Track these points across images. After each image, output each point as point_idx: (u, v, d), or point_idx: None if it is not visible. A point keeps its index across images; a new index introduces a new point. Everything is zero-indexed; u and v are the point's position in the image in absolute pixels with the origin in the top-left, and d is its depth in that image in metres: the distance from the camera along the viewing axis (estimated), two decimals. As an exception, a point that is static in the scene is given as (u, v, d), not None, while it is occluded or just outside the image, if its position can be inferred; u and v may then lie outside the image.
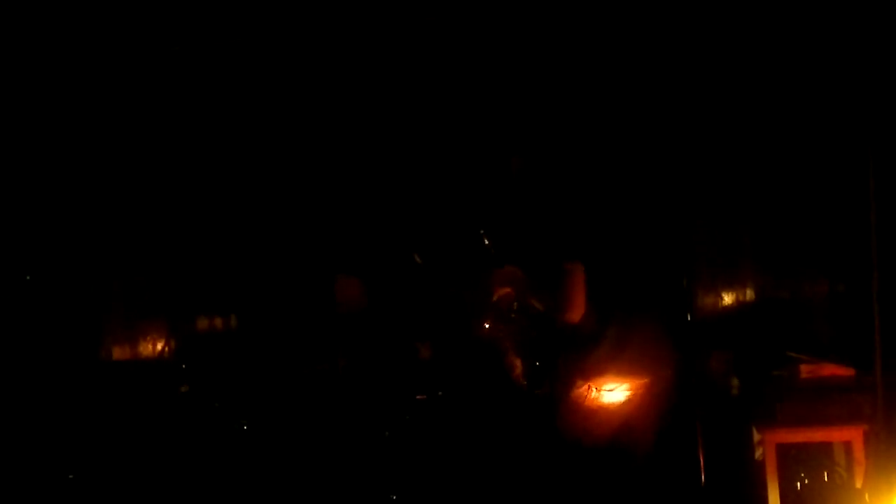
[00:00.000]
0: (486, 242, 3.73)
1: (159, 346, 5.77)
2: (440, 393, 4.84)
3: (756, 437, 4.51)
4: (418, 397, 4.85)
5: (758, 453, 4.49)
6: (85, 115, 5.61)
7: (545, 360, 3.62)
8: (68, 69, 5.47)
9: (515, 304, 3.67)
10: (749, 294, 5.28)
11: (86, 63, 5.47)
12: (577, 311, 3.47)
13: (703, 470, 4.14)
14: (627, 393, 3.60)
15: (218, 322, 5.76)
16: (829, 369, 4.39)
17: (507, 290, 3.67)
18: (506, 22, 5.16)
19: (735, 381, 4.84)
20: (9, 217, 5.52)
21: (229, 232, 5.64)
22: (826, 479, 4.52)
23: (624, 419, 3.61)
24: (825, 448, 4.55)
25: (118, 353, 5.79)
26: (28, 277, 5.48)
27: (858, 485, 4.20)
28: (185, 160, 5.67)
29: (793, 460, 4.53)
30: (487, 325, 3.68)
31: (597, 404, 3.62)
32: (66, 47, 5.39)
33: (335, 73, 5.45)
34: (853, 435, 4.26)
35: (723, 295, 5.29)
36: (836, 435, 4.39)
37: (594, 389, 3.61)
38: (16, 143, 5.55)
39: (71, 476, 5.00)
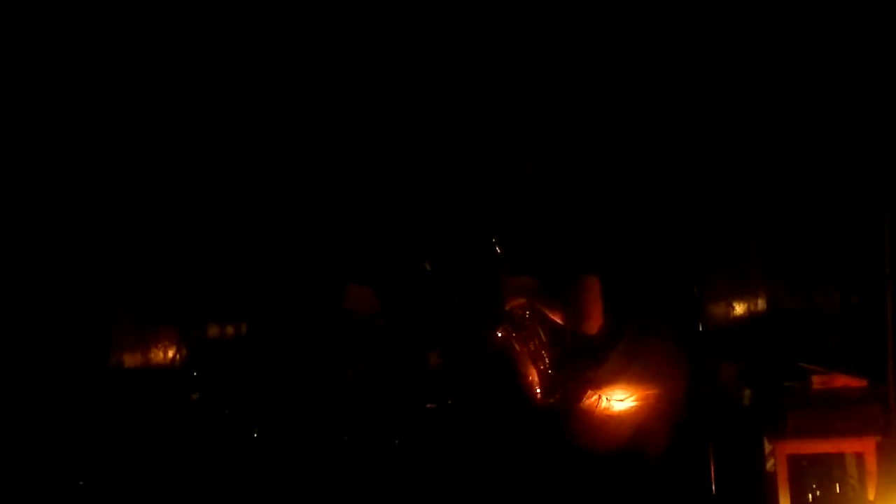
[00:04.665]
0: (499, 251, 3.71)
1: (170, 354, 5.78)
2: (450, 402, 4.83)
3: (767, 448, 4.50)
4: (428, 406, 4.84)
5: (769, 464, 4.47)
6: (96, 124, 5.63)
7: (557, 370, 3.60)
8: (74, 76, 5.50)
9: (528, 312, 3.65)
10: (760, 304, 5.27)
11: (92, 71, 5.49)
12: (594, 323, 3.44)
13: (714, 481, 4.12)
14: (638, 403, 3.58)
15: (229, 329, 5.77)
16: (842, 380, 4.36)
17: (520, 299, 3.65)
18: (522, 26, 5.17)
19: (746, 392, 4.82)
20: (19, 225, 5.54)
21: (240, 239, 5.65)
22: (838, 490, 4.50)
23: (635, 430, 3.59)
24: (837, 459, 4.53)
25: (129, 360, 5.80)
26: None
27: (870, 496, 4.17)
28: (195, 168, 5.69)
29: (804, 471, 4.51)
30: (500, 334, 3.66)
31: (607, 414, 3.60)
32: (78, 57, 5.42)
33: (346, 79, 5.47)
34: (865, 446, 4.23)
35: (734, 305, 5.28)
36: (847, 446, 4.36)
37: (604, 399, 3.59)
38: (26, 155, 5.57)
39: (81, 482, 5.00)
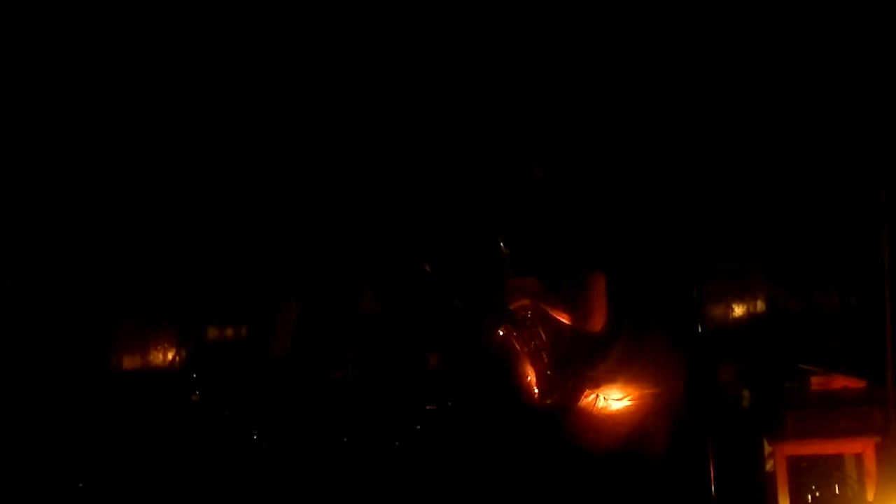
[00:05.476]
0: (504, 251, 3.71)
1: (170, 355, 5.78)
2: (450, 403, 4.84)
3: (767, 449, 4.49)
4: (428, 407, 4.85)
5: (768, 465, 4.47)
6: (99, 125, 5.64)
7: (557, 369, 3.60)
8: (78, 77, 5.51)
9: (530, 313, 3.66)
10: (760, 305, 5.27)
11: (96, 71, 5.50)
12: (598, 320, 3.45)
13: (713, 482, 4.12)
14: (636, 403, 3.58)
15: (228, 331, 5.78)
16: (841, 381, 4.36)
17: (524, 299, 3.66)
18: (528, 28, 5.17)
19: (746, 393, 4.82)
20: (22, 227, 5.55)
21: (240, 241, 5.66)
22: (837, 491, 4.50)
23: (633, 429, 3.59)
24: (836, 460, 4.53)
25: (129, 362, 5.81)
26: (28, 298, 5.50)
27: (870, 497, 4.17)
28: (196, 169, 5.70)
29: (804, 472, 4.50)
30: (502, 333, 3.66)
31: (605, 414, 3.60)
32: (80, 58, 5.43)
33: (350, 81, 5.47)
34: (864, 447, 4.23)
35: (734, 306, 5.28)
36: (847, 447, 4.36)
37: (603, 398, 3.59)
38: (28, 155, 5.58)
39: (81, 484, 5.01)
